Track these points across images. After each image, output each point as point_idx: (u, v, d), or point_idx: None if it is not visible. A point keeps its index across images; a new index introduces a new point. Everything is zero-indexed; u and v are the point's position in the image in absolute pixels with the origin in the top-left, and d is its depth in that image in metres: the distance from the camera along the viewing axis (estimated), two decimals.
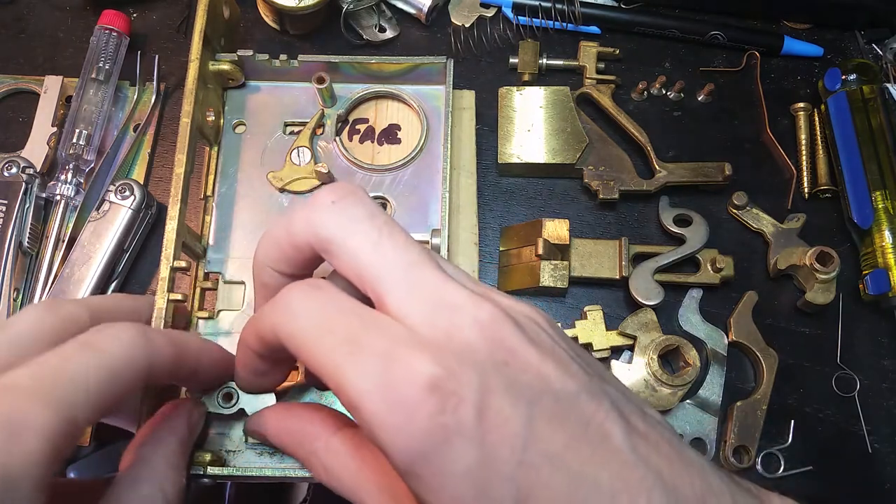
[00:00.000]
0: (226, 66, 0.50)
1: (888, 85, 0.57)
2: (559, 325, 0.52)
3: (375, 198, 0.51)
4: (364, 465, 0.32)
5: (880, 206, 0.52)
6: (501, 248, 0.55)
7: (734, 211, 0.55)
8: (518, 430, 0.25)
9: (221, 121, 0.52)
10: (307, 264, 0.33)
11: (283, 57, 0.51)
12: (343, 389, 0.26)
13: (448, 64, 0.50)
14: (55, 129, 0.55)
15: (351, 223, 0.29)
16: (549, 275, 0.50)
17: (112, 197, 0.51)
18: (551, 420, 0.25)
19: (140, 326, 0.31)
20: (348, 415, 0.34)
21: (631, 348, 0.50)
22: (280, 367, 0.36)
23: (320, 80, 0.50)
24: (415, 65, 0.51)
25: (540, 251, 0.50)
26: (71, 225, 0.52)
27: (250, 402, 0.40)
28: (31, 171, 0.53)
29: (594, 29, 0.61)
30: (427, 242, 0.48)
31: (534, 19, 0.60)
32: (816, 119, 0.59)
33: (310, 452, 0.34)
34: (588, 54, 0.59)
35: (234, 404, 0.42)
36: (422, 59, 0.51)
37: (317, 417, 0.35)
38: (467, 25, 0.61)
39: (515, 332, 0.27)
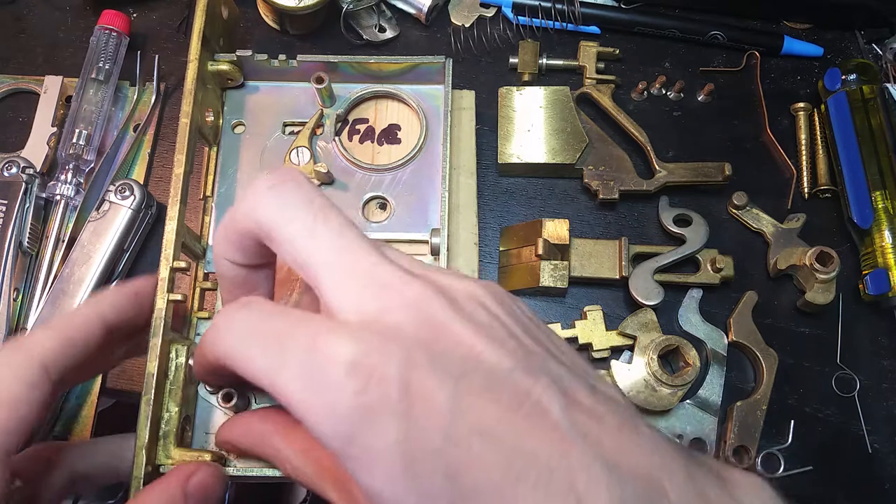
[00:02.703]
0: (224, 67, 0.50)
1: (888, 85, 0.57)
2: (558, 325, 0.51)
3: (375, 198, 0.51)
4: (322, 456, 0.32)
5: (880, 206, 0.52)
6: (501, 248, 0.55)
7: (734, 211, 0.55)
8: (444, 404, 0.24)
9: (220, 121, 0.52)
10: (258, 252, 0.33)
11: (281, 57, 0.51)
12: (274, 388, 0.26)
13: (447, 63, 0.50)
14: (55, 129, 0.55)
15: (288, 209, 0.29)
16: (549, 275, 0.50)
17: (112, 197, 0.51)
18: (481, 395, 0.25)
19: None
20: None
21: (631, 348, 0.50)
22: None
23: (319, 80, 0.50)
24: (414, 64, 0.51)
25: (540, 251, 0.50)
26: (71, 225, 0.52)
27: None
28: (31, 171, 0.53)
29: (594, 29, 0.61)
30: (426, 242, 0.48)
31: (534, 19, 0.60)
32: (816, 119, 0.58)
33: (273, 448, 0.34)
34: (588, 54, 0.59)
35: (234, 404, 0.42)
36: (421, 59, 0.51)
37: (278, 416, 0.35)
38: (467, 25, 0.61)
39: (446, 310, 0.27)
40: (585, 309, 0.52)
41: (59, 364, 0.34)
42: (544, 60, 0.59)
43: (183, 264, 0.42)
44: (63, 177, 0.53)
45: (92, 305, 0.37)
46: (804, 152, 0.58)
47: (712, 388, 0.50)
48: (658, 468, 0.25)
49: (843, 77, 0.56)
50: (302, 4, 0.55)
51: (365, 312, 0.27)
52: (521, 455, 0.24)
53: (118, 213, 0.51)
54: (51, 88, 0.57)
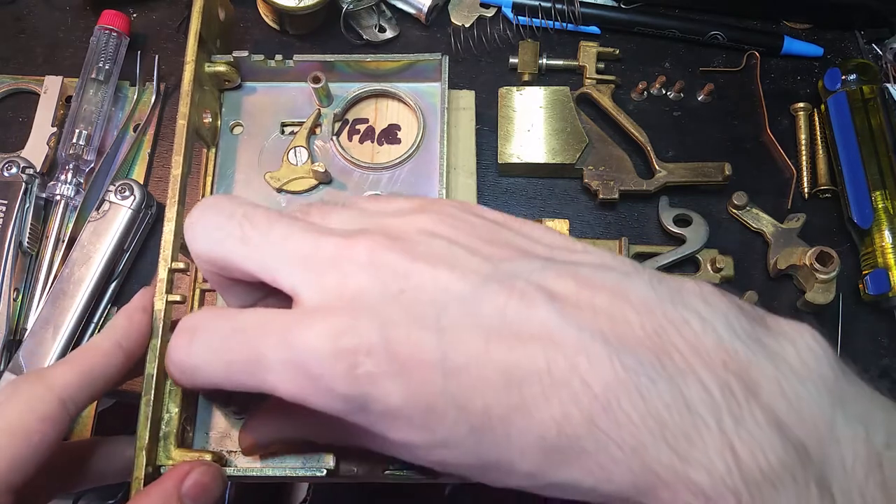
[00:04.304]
0: (221, 68, 0.50)
1: (888, 85, 0.57)
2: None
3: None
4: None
5: (880, 206, 0.52)
6: None
7: (734, 211, 0.55)
8: (432, 347, 0.25)
9: (218, 122, 0.52)
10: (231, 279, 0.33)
11: (278, 57, 0.51)
12: (279, 395, 0.27)
13: (443, 60, 0.50)
14: (55, 129, 0.55)
15: (214, 233, 0.30)
16: None
17: (112, 197, 0.51)
18: (462, 324, 0.26)
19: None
20: None
21: None
22: None
23: (316, 80, 0.50)
24: (410, 62, 0.51)
25: None
26: (71, 225, 0.52)
27: None
28: (31, 171, 0.53)
29: (594, 29, 0.61)
30: None
31: (534, 19, 0.60)
32: (816, 119, 0.58)
33: (301, 425, 0.34)
34: (588, 54, 0.59)
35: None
36: (417, 57, 0.51)
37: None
38: (467, 25, 0.61)
39: (401, 255, 0.27)
40: None
41: (77, 397, 0.34)
42: (544, 60, 0.59)
43: (182, 265, 0.42)
44: (63, 177, 0.53)
45: (107, 334, 0.37)
46: (804, 152, 0.58)
47: None
48: (662, 325, 0.25)
49: (843, 77, 0.56)
50: (302, 4, 0.55)
51: (326, 290, 0.27)
52: (517, 364, 0.25)
53: (118, 213, 0.51)
54: (51, 88, 0.57)
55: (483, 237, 0.29)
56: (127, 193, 0.51)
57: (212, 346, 0.29)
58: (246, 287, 0.33)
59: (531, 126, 0.55)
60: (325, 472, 0.38)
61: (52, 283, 0.50)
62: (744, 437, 0.23)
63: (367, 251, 0.27)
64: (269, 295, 0.33)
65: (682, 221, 0.53)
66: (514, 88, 0.56)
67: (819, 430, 0.24)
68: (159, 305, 0.40)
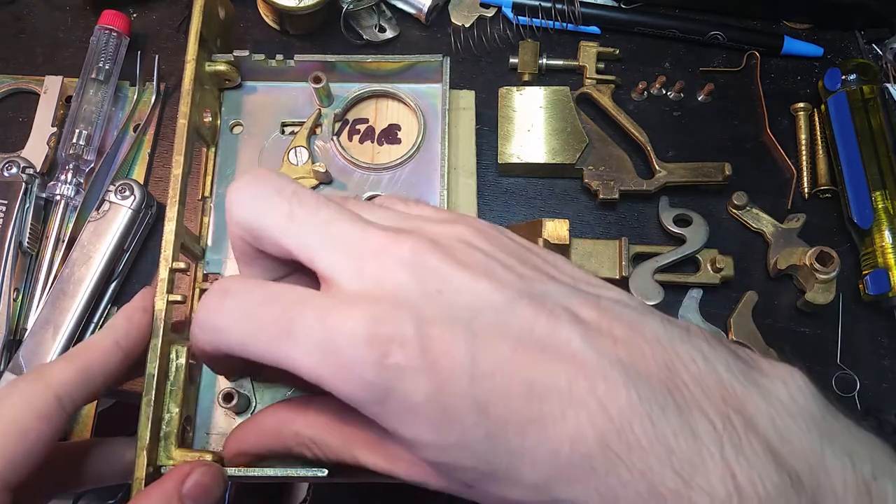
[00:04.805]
0: (222, 67, 0.50)
1: (888, 85, 0.57)
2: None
3: (374, 197, 0.51)
4: (345, 426, 0.32)
5: (880, 206, 0.52)
6: None
7: (734, 211, 0.55)
8: (464, 349, 0.26)
9: (218, 122, 0.52)
10: (261, 251, 0.33)
11: (279, 57, 0.51)
12: (298, 372, 0.27)
13: (444, 62, 0.50)
14: (55, 129, 0.55)
15: (260, 204, 0.30)
16: None
17: (112, 197, 0.51)
18: (494, 332, 0.26)
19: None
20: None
21: None
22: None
23: (317, 80, 0.50)
24: (411, 63, 0.51)
25: None
26: (71, 225, 0.52)
27: None
28: (31, 171, 0.53)
29: (594, 29, 0.61)
30: None
31: (534, 19, 0.60)
32: (816, 119, 0.58)
33: (293, 436, 0.34)
34: (588, 54, 0.59)
35: (235, 404, 0.42)
36: (418, 58, 0.51)
37: (287, 405, 0.35)
38: (467, 25, 0.61)
39: (442, 259, 0.28)
40: None
41: (74, 395, 0.34)
42: (544, 60, 0.59)
43: (182, 265, 0.42)
44: (63, 177, 0.53)
45: (106, 332, 0.37)
46: (804, 152, 0.58)
47: None
48: (673, 360, 0.26)
49: (843, 77, 0.56)
50: (302, 4, 0.55)
51: (365, 279, 0.28)
52: (540, 378, 0.26)
53: (118, 213, 0.51)
54: (51, 88, 0.57)
55: (515, 256, 0.30)
56: (127, 193, 0.51)
57: (242, 309, 0.29)
58: (271, 262, 0.33)
59: (531, 126, 0.55)
60: (325, 472, 0.38)
61: (52, 283, 0.50)
62: (743, 466, 0.24)
63: (410, 249, 0.28)
64: (293, 273, 0.34)
65: (682, 221, 0.53)
66: (514, 88, 0.56)
67: (810, 460, 0.25)
68: (160, 305, 0.40)
